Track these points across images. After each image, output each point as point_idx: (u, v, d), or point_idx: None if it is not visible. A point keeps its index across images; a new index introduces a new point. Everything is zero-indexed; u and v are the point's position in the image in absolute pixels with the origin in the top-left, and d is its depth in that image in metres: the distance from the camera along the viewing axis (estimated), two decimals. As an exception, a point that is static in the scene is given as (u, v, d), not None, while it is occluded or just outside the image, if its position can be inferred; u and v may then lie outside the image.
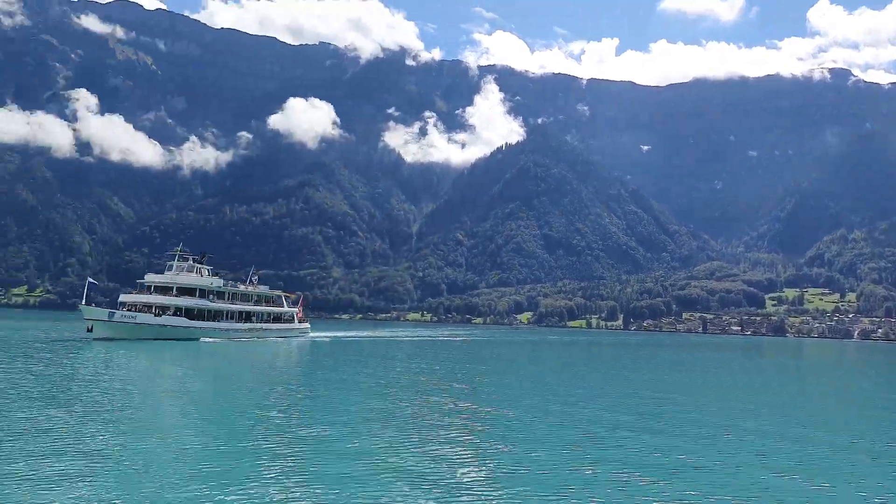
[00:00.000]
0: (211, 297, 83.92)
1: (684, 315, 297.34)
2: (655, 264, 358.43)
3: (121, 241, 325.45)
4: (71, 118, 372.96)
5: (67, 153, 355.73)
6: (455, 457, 20.81)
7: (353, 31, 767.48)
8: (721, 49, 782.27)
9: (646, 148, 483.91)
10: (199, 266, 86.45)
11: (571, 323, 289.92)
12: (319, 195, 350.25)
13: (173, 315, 78.85)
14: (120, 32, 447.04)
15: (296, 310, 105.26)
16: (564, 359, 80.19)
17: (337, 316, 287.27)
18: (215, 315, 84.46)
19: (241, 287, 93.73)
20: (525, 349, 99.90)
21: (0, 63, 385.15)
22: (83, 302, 75.54)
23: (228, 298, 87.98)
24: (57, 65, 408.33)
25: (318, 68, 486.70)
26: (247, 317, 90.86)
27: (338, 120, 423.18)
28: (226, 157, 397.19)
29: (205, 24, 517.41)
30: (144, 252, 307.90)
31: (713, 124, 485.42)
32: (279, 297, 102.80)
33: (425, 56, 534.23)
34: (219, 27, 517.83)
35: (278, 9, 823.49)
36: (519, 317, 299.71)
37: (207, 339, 79.13)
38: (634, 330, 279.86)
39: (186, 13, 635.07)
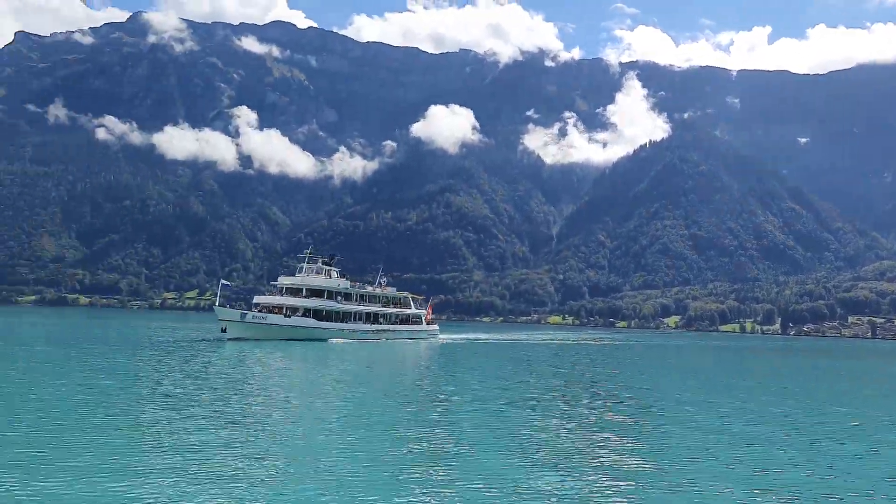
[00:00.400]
0: (339, 298, 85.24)
1: (850, 319, 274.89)
2: (817, 264, 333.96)
3: (279, 247, 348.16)
4: (234, 134, 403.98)
5: (231, 166, 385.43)
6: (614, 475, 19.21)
7: (493, 37, 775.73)
8: (888, 31, 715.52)
9: (804, 140, 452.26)
10: (328, 268, 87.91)
11: (723, 327, 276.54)
12: (460, 199, 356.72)
13: (302, 316, 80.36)
14: (276, 52, 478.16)
15: (424, 312, 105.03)
16: (731, 365, 76.11)
17: (478, 319, 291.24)
18: (343, 316, 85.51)
19: (369, 289, 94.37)
20: (672, 353, 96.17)
21: (173, 86, 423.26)
22: (216, 303, 78.75)
23: (356, 300, 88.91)
24: (221, 85, 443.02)
25: (459, 75, 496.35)
26: (374, 318, 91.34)
27: (477, 125, 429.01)
28: (372, 165, 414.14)
29: (352, 38, 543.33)
30: (300, 257, 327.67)
31: (879, 113, 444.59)
32: (407, 298, 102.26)
33: (564, 56, 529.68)
34: (365, 41, 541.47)
35: (420, 19, 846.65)
36: (666, 320, 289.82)
37: (335, 340, 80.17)
38: (794, 335, 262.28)
39: (335, 29, 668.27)
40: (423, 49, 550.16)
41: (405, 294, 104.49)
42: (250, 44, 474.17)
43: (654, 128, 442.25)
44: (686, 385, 48.03)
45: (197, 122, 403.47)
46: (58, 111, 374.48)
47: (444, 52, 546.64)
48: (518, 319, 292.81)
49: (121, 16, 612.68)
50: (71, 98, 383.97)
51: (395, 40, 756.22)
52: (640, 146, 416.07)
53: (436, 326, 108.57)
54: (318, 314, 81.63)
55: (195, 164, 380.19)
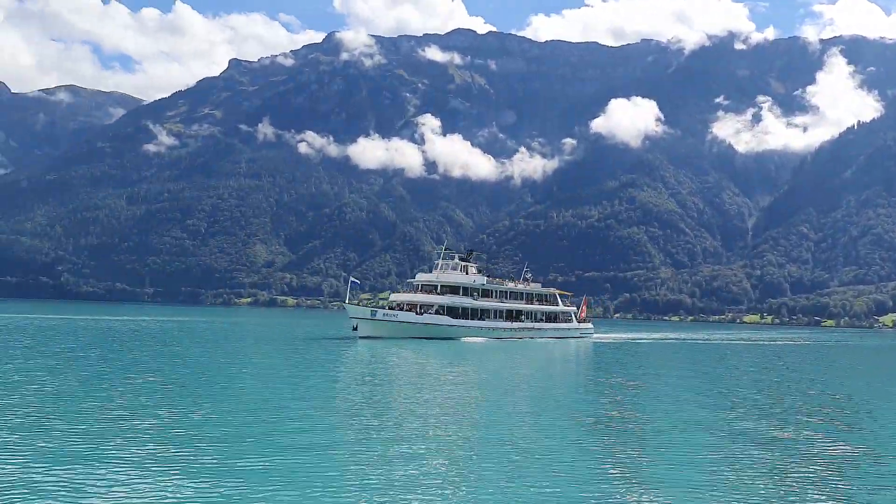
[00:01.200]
0: (475, 295, 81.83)
1: None
2: None
3: (463, 248, 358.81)
4: (419, 141, 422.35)
5: (418, 173, 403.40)
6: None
7: (677, 24, 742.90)
8: None
9: None
10: (466, 264, 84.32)
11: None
12: (644, 194, 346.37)
13: (435, 313, 77.56)
14: (457, 59, 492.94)
15: (573, 309, 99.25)
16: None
17: (665, 318, 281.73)
18: (480, 314, 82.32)
19: (510, 285, 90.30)
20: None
21: (364, 99, 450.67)
22: (346, 301, 77.13)
23: (495, 297, 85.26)
24: (407, 95, 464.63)
25: (640, 66, 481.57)
26: (516, 316, 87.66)
27: (661, 116, 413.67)
28: (552, 164, 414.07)
29: (529, 39, 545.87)
30: (482, 258, 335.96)
31: None
32: (554, 295, 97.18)
33: (757, 37, 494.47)
34: (543, 40, 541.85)
35: (598, 14, 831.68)
36: (881, 319, 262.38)
37: (469, 339, 77.19)
38: None
39: (513, 31, 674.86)
40: (603, 43, 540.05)
41: (552, 290, 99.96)
42: (433, 53, 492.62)
43: (863, 107, 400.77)
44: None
45: (386, 132, 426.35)
46: (266, 129, 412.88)
47: (625, 44, 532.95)
48: (710, 319, 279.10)
49: (317, 37, 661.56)
50: (276, 116, 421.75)
51: (574, 37, 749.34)
52: (847, 128, 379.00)
53: (590, 325, 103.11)
54: (452, 311, 78.72)
55: (385, 171, 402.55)
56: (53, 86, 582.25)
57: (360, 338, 71.14)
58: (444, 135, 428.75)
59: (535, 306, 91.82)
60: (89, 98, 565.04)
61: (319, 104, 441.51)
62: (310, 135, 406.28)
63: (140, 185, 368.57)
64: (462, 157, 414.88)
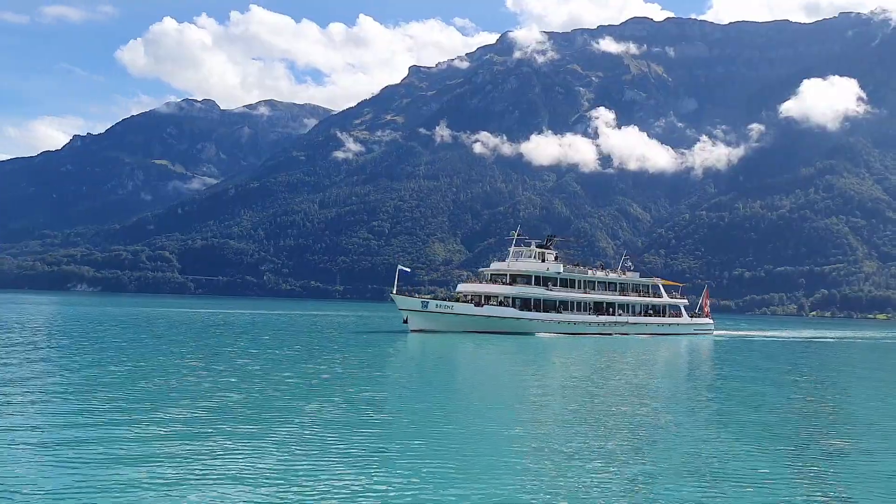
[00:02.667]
0: (550, 284, 74.31)
1: None
2: None
3: (640, 243, 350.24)
4: (593, 135, 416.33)
5: (592, 167, 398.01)
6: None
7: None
8: None
9: None
10: (543, 251, 77.19)
11: None
12: (843, 181, 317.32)
13: (499, 305, 71.29)
14: (633, 48, 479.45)
15: (683, 301, 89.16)
16: None
17: (870, 315, 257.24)
18: (557, 305, 74.72)
19: (599, 274, 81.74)
20: None
21: (537, 96, 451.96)
22: (394, 291, 69.96)
23: (578, 287, 77.33)
24: (581, 89, 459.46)
25: (838, 42, 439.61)
26: (605, 308, 79.43)
27: (863, 95, 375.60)
28: (737, 152, 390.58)
29: (712, 22, 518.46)
30: (661, 253, 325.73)
31: None
32: (656, 286, 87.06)
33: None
34: (726, 22, 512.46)
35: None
36: None
37: (543, 334, 70.53)
38: None
39: (693, 16, 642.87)
40: (794, 20, 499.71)
41: (653, 280, 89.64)
42: (607, 45, 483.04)
43: None
44: None
45: (559, 128, 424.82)
46: (443, 131, 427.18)
47: (820, 19, 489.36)
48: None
49: (491, 38, 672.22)
50: (452, 119, 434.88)
51: (762, 16, 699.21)
52: None
53: (709, 320, 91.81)
54: (521, 303, 72.15)
55: (559, 168, 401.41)
56: (255, 101, 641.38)
57: (412, 331, 66.16)
58: (619, 127, 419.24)
59: (631, 298, 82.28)
60: (286, 111, 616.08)
61: (493, 104, 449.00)
62: (484, 135, 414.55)
63: (330, 189, 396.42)
64: (638, 149, 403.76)
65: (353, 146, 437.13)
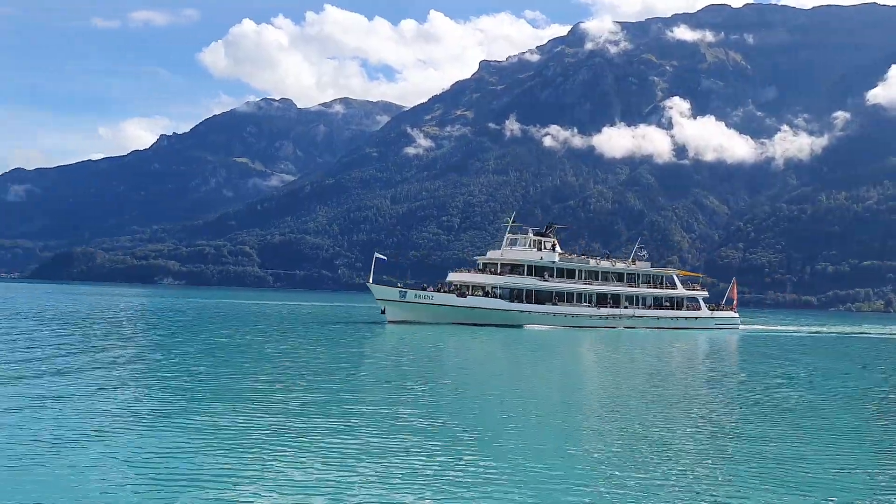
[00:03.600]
0: (545, 274, 70.58)
1: None
2: None
3: (717, 236, 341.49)
4: (667, 126, 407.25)
5: (666, 158, 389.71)
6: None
7: None
8: None
9: None
10: (541, 239, 72.85)
11: None
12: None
13: (484, 296, 67.84)
14: (709, 36, 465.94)
15: (703, 294, 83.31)
16: None
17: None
18: (553, 297, 70.99)
19: (604, 263, 77.09)
20: None
21: (609, 87, 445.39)
22: (370, 279, 66.77)
23: (580, 277, 73.34)
24: (655, 79, 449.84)
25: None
26: (611, 300, 74.98)
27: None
28: (820, 141, 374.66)
29: (794, 7, 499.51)
30: (739, 247, 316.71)
31: None
32: (671, 276, 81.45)
33: None
34: (810, 7, 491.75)
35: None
36: None
37: (533, 326, 66.93)
38: None
39: (774, 1, 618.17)
40: (882, 3, 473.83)
41: (667, 271, 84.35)
42: (682, 33, 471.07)
43: None
44: None
45: (632, 120, 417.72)
46: (512, 125, 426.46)
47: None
48: None
49: (562, 30, 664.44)
50: (522, 112, 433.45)
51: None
52: None
53: (733, 314, 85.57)
54: (511, 294, 68.50)
55: (632, 160, 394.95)
56: (330, 99, 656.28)
57: (389, 322, 63.35)
58: (695, 117, 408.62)
59: (640, 289, 76.99)
60: (359, 108, 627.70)
61: (564, 96, 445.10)
62: (554, 128, 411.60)
63: (402, 185, 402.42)
64: (715, 139, 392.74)
65: (424, 142, 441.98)
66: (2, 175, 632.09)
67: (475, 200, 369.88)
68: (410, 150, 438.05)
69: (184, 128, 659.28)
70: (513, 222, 75.11)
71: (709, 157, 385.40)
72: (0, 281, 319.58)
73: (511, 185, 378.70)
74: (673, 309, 79.76)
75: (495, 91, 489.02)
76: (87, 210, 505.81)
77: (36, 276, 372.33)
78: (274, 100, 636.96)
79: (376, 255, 69.56)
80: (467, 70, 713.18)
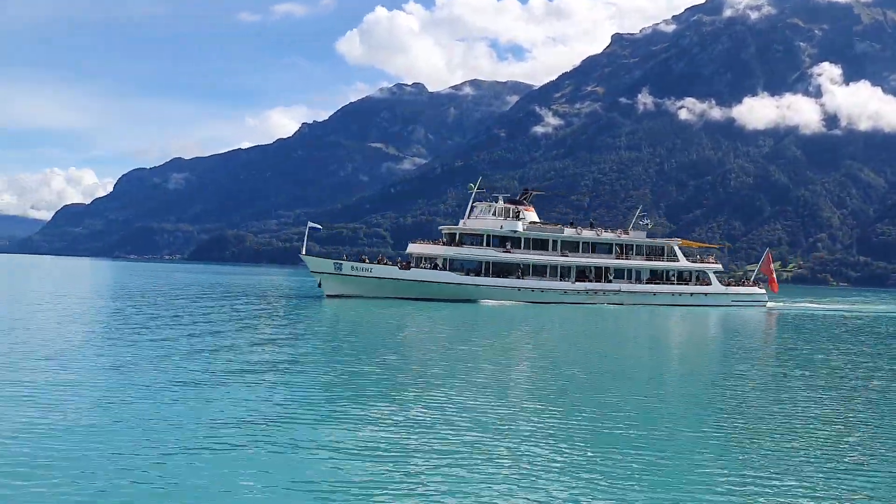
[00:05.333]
0: (508, 245, 64.32)
1: None
2: None
3: (871, 211, 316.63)
4: (815, 94, 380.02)
5: (814, 129, 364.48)
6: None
7: None
8: None
9: None
10: (512, 207, 66.32)
11: None
12: None
13: (433, 268, 62.25)
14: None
15: (716, 266, 73.56)
16: None
17: None
18: (518, 270, 64.18)
19: (586, 233, 68.77)
20: None
21: (751, 56, 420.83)
22: (303, 251, 62.68)
23: (553, 249, 66.05)
24: (802, 44, 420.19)
25: None
26: (595, 274, 67.54)
27: None
28: None
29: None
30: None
31: None
32: (670, 248, 71.84)
33: None
34: None
35: None
36: None
37: (489, 301, 60.67)
38: None
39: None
40: None
41: (668, 242, 73.29)
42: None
43: None
44: None
45: (776, 89, 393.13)
46: (645, 99, 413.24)
47: None
48: None
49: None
50: (656, 85, 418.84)
51: None
52: None
53: (757, 290, 75.47)
54: (466, 266, 63.00)
55: (776, 131, 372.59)
56: (460, 81, 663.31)
57: (327, 296, 58.87)
58: (847, 83, 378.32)
59: (632, 262, 69.08)
60: (489, 89, 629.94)
61: (702, 67, 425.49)
62: (690, 101, 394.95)
63: (530, 165, 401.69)
64: (871, 106, 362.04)
65: (553, 120, 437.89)
66: (163, 165, 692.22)
67: (606, 178, 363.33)
68: (539, 129, 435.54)
69: (323, 115, 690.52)
70: (478, 188, 67.46)
71: (863, 125, 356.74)
72: (164, 262, 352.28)
73: (644, 162, 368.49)
74: (681, 283, 71.07)
75: (627, 65, 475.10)
76: (238, 195, 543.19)
77: (194, 258, 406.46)
78: (406, 85, 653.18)
79: (310, 224, 66.33)
80: (598, 45, 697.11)
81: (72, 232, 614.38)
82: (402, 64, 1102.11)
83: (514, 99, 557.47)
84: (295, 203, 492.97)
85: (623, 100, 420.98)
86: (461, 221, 67.04)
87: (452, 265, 62.87)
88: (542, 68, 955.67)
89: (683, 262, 71.75)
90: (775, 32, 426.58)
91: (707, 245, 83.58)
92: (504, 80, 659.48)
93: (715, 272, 73.29)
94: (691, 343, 40.99)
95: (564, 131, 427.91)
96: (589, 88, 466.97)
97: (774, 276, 78.97)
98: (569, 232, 68.12)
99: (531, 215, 68.40)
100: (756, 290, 75.72)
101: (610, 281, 68.12)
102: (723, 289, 72.80)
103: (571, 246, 67.54)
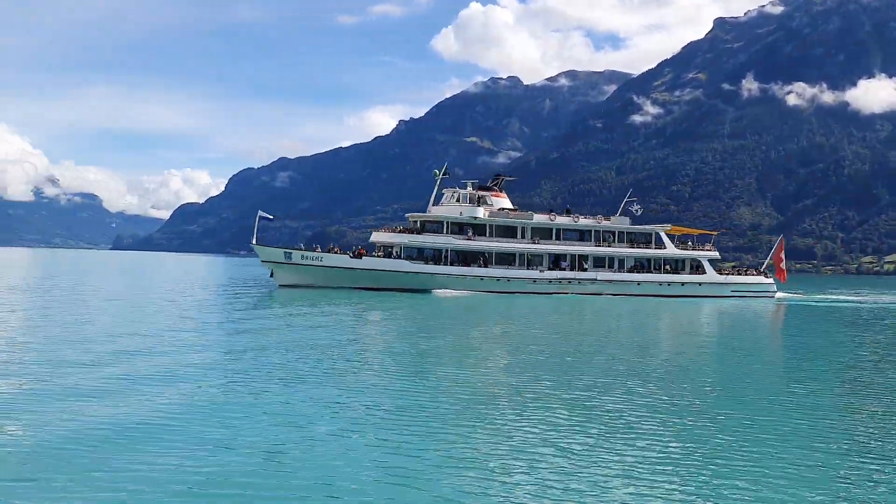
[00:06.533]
0: (470, 232, 61.44)
1: None
2: None
3: None
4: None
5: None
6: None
7: None
8: None
9: None
10: (476, 194, 63.56)
11: None
12: None
13: (386, 256, 60.47)
14: None
15: (712, 254, 67.68)
16: None
17: None
18: (476, 258, 61.13)
19: (560, 219, 64.99)
20: None
21: (867, 35, 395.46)
22: (253, 240, 60.98)
23: (522, 236, 62.64)
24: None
25: None
26: (571, 262, 63.83)
27: None
28: None
29: None
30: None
31: None
32: (657, 234, 66.86)
33: None
34: None
35: None
36: None
37: (445, 291, 57.96)
38: None
39: None
40: None
41: (653, 228, 68.08)
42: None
43: None
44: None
45: (894, 71, 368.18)
46: (750, 85, 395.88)
47: None
48: None
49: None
50: (761, 70, 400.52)
51: None
52: None
53: (763, 279, 69.21)
54: (427, 255, 60.79)
55: (894, 116, 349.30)
56: (555, 73, 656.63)
57: (280, 286, 58.17)
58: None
59: (613, 249, 65.02)
60: (585, 80, 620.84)
61: (811, 49, 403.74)
62: (799, 85, 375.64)
63: (628, 155, 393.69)
64: None
65: (652, 109, 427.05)
66: (271, 164, 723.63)
67: (708, 168, 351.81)
68: (637, 119, 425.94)
69: (419, 112, 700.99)
70: (443, 174, 64.83)
71: None
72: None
73: (748, 150, 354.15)
74: (672, 272, 66.31)
75: (731, 49, 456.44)
76: (339, 192, 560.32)
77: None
78: (501, 78, 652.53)
79: (260, 213, 64.28)
80: (700, 30, 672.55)
81: (188, 230, 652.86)
82: (496, 58, 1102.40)
83: (611, 89, 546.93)
84: (392, 198, 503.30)
85: (726, 86, 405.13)
86: (428, 209, 64.39)
87: (409, 253, 60.73)
88: (640, 56, 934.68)
89: (671, 250, 66.70)
90: (892, 9, 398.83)
91: (702, 231, 77.48)
92: (601, 70, 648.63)
93: (710, 260, 67.79)
94: (642, 336, 34.88)
95: (664, 120, 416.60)
96: (690, 75, 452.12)
97: (783, 264, 72.11)
98: (539, 218, 64.48)
99: (502, 202, 65.30)
100: (762, 279, 69.42)
101: (584, 269, 64.09)
102: (720, 278, 67.71)
103: (543, 233, 63.96)
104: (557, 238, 64.29)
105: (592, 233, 65.51)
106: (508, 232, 62.76)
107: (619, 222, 67.28)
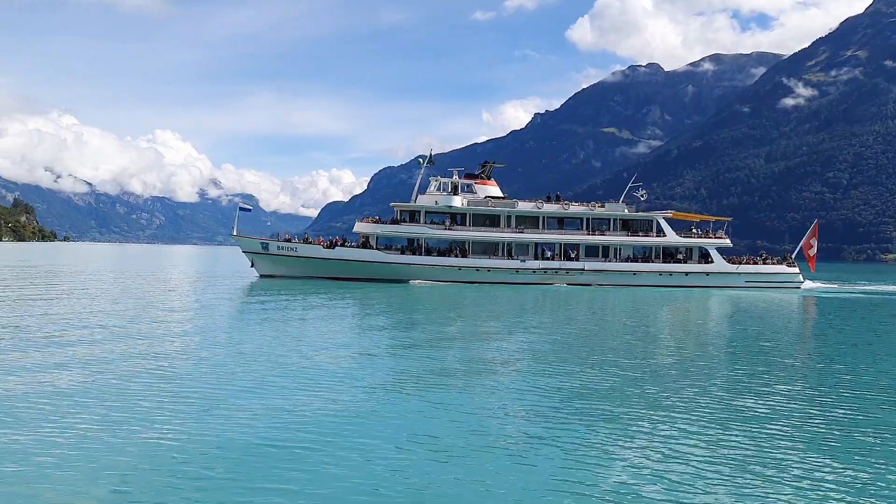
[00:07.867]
0: (446, 222, 59.73)
1: None
2: None
3: None
4: None
5: None
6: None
7: None
8: None
9: None
10: (464, 182, 61.04)
11: None
12: None
13: (361, 246, 59.04)
14: None
15: (718, 242, 61.51)
16: None
17: None
18: (455, 248, 59.50)
19: (548, 207, 60.85)
20: None
21: None
22: (234, 231, 61.78)
23: (506, 225, 59.56)
24: None
25: None
26: (560, 252, 60.44)
27: None
28: None
29: None
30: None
31: None
32: (657, 221, 61.70)
33: None
34: None
35: None
36: None
37: (421, 282, 56.46)
38: None
39: None
40: None
41: (652, 215, 62.70)
42: None
43: None
44: None
45: None
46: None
47: None
48: None
49: None
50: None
51: None
52: None
53: (785, 268, 62.15)
54: (403, 245, 59.53)
55: None
56: (698, 58, 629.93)
57: (261, 276, 58.30)
58: None
59: (607, 238, 60.80)
60: (731, 63, 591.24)
61: None
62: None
63: (778, 141, 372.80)
64: None
65: (804, 91, 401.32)
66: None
67: (869, 152, 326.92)
68: (788, 102, 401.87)
69: (555, 105, 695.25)
70: (428, 162, 62.82)
71: None
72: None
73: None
74: (665, 262, 61.20)
75: (894, 24, 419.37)
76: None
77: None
78: (640, 66, 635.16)
79: (240, 205, 65.19)
80: (859, 4, 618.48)
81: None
82: (635, 45, 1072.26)
83: (759, 71, 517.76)
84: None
85: (889, 63, 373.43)
86: (412, 198, 62.33)
87: (384, 243, 59.74)
88: (791, 36, 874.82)
89: (672, 238, 61.53)
90: None
91: (707, 217, 69.90)
92: (748, 52, 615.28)
93: (719, 248, 62.20)
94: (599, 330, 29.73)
95: (819, 102, 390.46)
96: (848, 53, 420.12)
97: (813, 251, 64.88)
98: (524, 206, 60.71)
99: (489, 189, 62.19)
100: (783, 268, 62.70)
101: (571, 259, 60.37)
102: (730, 267, 61.75)
103: (529, 222, 60.58)
104: (546, 227, 61.27)
105: (584, 221, 61.76)
106: (490, 221, 60.29)
107: (614, 209, 62.75)
